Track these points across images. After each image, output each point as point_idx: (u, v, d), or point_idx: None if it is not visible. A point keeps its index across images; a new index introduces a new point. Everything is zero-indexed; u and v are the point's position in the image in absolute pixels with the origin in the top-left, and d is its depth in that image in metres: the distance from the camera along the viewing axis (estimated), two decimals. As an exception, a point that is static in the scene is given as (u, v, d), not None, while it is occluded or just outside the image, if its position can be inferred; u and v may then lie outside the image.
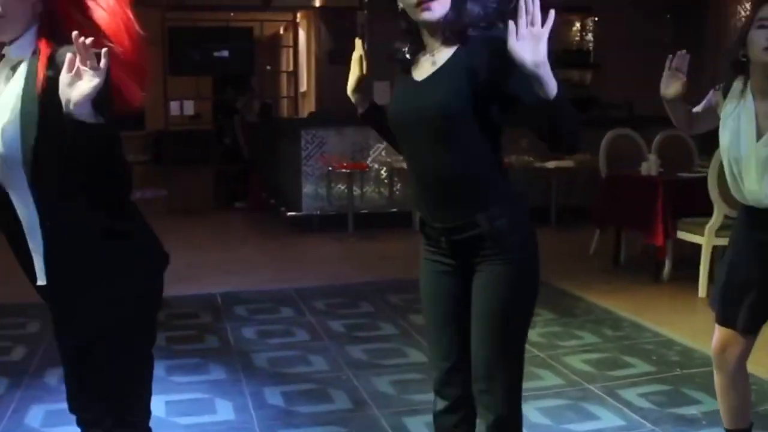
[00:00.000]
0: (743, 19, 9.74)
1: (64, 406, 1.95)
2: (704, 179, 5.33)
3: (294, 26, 12.84)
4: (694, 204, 5.53)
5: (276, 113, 12.90)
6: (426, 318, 2.18)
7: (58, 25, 1.70)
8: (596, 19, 11.01)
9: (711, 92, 2.69)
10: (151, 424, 1.95)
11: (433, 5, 1.89)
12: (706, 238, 5.35)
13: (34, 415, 3.32)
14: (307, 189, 8.22)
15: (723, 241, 5.37)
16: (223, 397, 3.53)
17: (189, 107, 11.41)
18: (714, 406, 2.97)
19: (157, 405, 2.96)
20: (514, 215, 2.03)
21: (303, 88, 12.99)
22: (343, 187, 8.14)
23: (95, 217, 1.80)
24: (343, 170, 7.87)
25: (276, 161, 9.49)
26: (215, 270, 6.30)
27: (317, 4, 11.64)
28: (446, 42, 1.96)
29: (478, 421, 2.08)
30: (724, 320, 2.63)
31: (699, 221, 5.44)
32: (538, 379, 3.77)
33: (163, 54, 10.46)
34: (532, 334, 4.43)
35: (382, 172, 8.32)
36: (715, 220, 5.30)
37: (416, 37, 2.00)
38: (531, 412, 3.26)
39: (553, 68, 1.90)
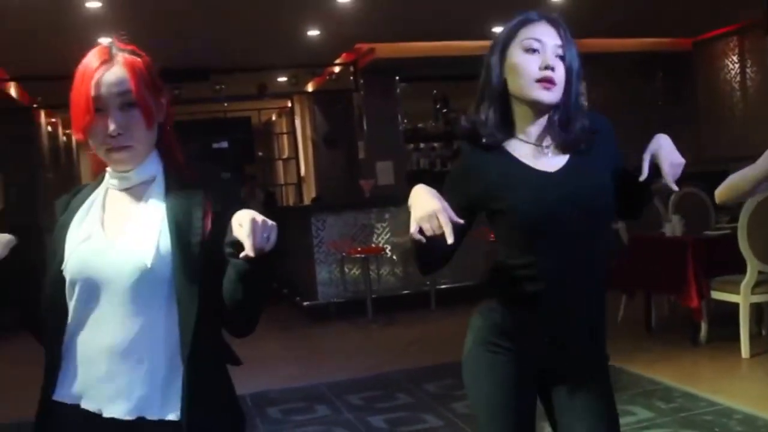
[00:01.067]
0: (731, 72, 9.83)
1: None
2: (732, 236, 5.24)
3: (291, 112, 12.92)
4: (725, 262, 5.42)
5: (279, 201, 12.88)
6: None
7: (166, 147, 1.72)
8: (584, 77, 11.07)
9: None
10: None
11: (554, 89, 1.82)
12: (742, 297, 5.21)
13: None
14: (321, 276, 8.10)
15: (759, 298, 5.27)
16: None
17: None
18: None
19: None
20: None
21: (303, 172, 13.01)
22: (357, 272, 8.02)
23: (221, 344, 1.72)
24: (358, 255, 7.76)
25: (286, 250, 9.38)
26: (239, 369, 6.10)
27: (310, 89, 11.73)
28: (551, 130, 1.87)
29: None
30: None
31: (733, 279, 5.32)
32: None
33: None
34: None
35: (394, 254, 8.21)
36: (749, 278, 5.18)
37: (505, 123, 1.89)
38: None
39: None
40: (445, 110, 11.03)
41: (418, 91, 10.53)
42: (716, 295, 5.47)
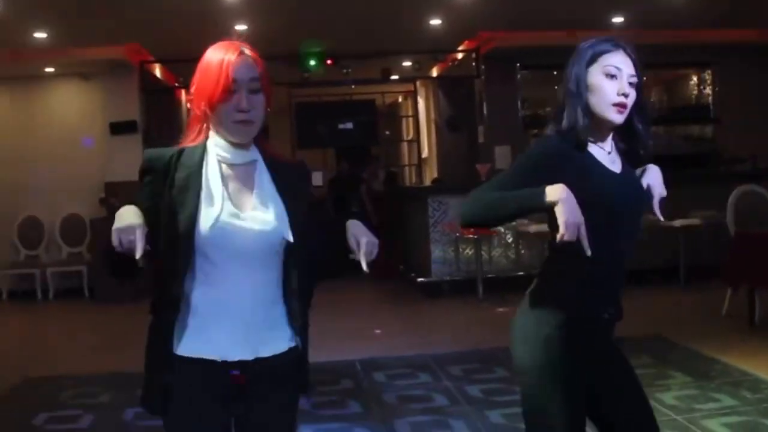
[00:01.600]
0: None
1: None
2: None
3: (414, 95, 13.32)
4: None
5: (400, 181, 13.33)
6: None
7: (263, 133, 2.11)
8: (714, 72, 10.94)
9: None
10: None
11: (625, 111, 2.16)
12: None
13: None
14: (436, 255, 8.49)
15: None
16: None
17: (317, 178, 12.00)
18: None
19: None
20: None
21: (425, 154, 13.40)
22: (470, 252, 8.36)
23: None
24: (471, 236, 8.09)
25: (403, 228, 9.82)
26: (351, 337, 6.61)
27: (434, 73, 12.07)
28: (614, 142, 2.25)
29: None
30: None
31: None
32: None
33: (291, 128, 11.09)
34: (668, 398, 4.50)
35: (508, 236, 8.50)
36: None
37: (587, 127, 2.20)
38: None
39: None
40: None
41: (538, 79, 10.69)
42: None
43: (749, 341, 5.75)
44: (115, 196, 9.65)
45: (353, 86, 11.98)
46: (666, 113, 11.33)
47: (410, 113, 13.81)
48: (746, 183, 7.07)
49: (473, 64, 10.57)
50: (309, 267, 2.05)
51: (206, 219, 1.93)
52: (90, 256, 9.91)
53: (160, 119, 10.62)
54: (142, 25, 8.45)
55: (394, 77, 11.82)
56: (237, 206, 1.99)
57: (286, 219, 2.00)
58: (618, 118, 2.15)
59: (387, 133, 15.35)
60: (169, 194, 1.94)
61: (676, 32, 9.52)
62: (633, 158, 2.28)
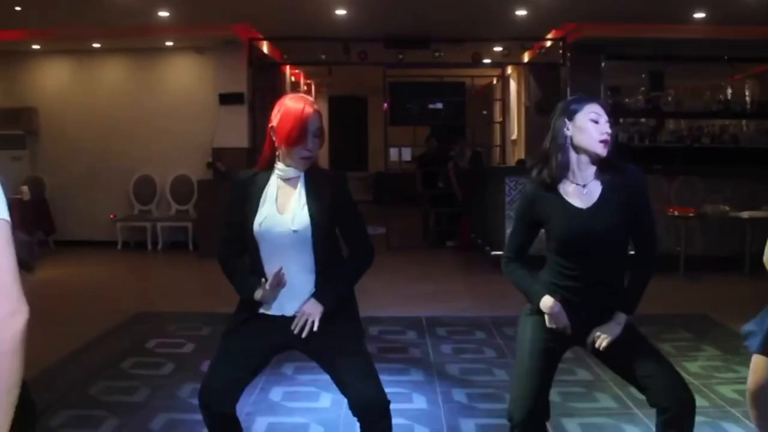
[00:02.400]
0: None
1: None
2: None
3: (504, 79, 13.82)
4: None
5: (487, 161, 13.88)
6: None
7: None
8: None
9: None
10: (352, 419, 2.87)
11: (607, 145, 2.78)
12: None
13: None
14: (509, 230, 9.06)
15: None
16: (419, 393, 4.51)
17: (406, 154, 12.74)
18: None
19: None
20: None
21: (514, 136, 13.91)
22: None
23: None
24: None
25: (484, 205, 10.45)
26: (423, 298, 7.33)
27: (526, 59, 12.56)
28: (597, 175, 2.83)
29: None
30: None
31: None
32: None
33: (384, 106, 11.81)
34: (693, 366, 5.03)
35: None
36: None
37: (565, 168, 2.82)
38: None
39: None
40: (644, 88, 11.49)
41: (622, 69, 11.08)
42: None
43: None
44: (220, 160, 10.64)
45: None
46: (756, 108, 11.48)
47: (500, 96, 14.30)
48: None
49: (560, 52, 11.03)
50: (335, 247, 2.89)
51: (258, 218, 2.79)
52: (196, 213, 10.93)
53: (264, 91, 11.49)
54: (252, 6, 9.28)
55: (486, 60, 12.39)
56: (279, 208, 2.82)
57: (307, 216, 2.79)
58: (603, 150, 2.77)
59: (484, 112, 15.94)
60: (247, 203, 2.82)
61: (759, 27, 9.74)
62: (617, 186, 2.82)
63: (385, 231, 11.29)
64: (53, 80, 11.50)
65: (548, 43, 11.46)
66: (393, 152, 12.36)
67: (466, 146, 12.79)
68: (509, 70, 13.81)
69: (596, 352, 2.85)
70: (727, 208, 8.71)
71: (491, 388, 4.58)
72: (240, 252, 2.90)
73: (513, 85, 14.07)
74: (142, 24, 10.03)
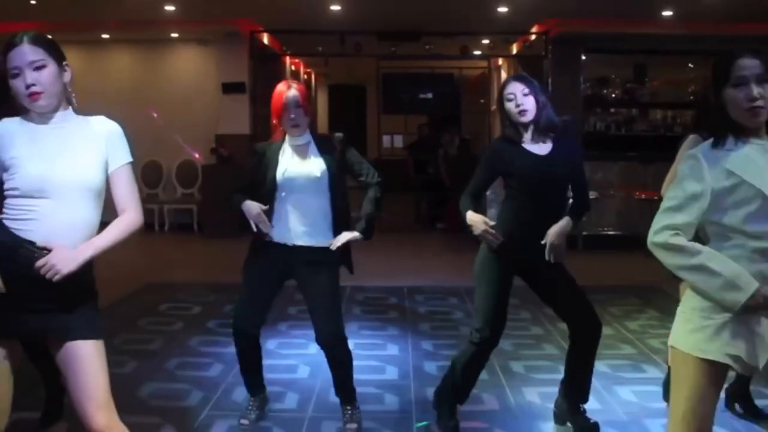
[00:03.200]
0: None
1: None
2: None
3: (490, 71, 14.53)
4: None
5: (476, 147, 14.58)
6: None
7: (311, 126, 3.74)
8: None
9: None
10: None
11: (527, 113, 3.51)
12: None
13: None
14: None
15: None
16: (393, 343, 5.31)
17: (398, 141, 13.48)
18: None
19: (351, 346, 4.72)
20: None
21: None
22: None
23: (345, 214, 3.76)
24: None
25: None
26: (408, 272, 8.08)
27: (513, 51, 13.27)
28: (537, 136, 3.56)
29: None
30: None
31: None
32: (617, 348, 5.15)
33: (378, 96, 12.54)
34: (633, 324, 5.79)
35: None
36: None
37: (514, 130, 3.57)
38: (601, 365, 4.63)
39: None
40: (620, 79, 12.25)
41: (599, 62, 11.80)
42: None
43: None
44: (223, 146, 11.36)
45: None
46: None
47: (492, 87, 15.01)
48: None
49: (543, 45, 11.74)
50: (342, 195, 3.65)
51: (280, 170, 3.63)
52: (200, 197, 11.67)
53: (265, 81, 12.16)
54: (253, 1, 9.99)
55: (477, 52, 13.10)
56: (298, 164, 3.63)
57: (326, 168, 3.59)
58: (524, 118, 3.50)
59: (482, 101, 16.65)
60: (265, 165, 3.64)
61: (724, 24, 10.46)
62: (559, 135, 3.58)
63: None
64: (66, 70, 12.22)
65: (533, 37, 12.16)
66: (386, 139, 13.10)
67: (455, 134, 13.51)
68: (500, 61, 14.50)
69: (534, 283, 3.66)
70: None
71: (455, 340, 5.33)
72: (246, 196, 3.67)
73: (504, 76, 14.77)
74: (149, 17, 10.74)
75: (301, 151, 3.67)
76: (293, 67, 15.12)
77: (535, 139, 3.56)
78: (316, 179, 3.60)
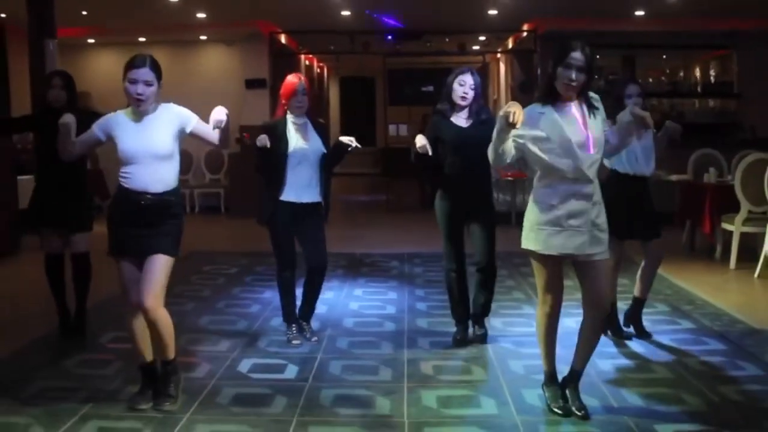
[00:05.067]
0: None
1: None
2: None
3: (494, 63, 15.83)
4: (732, 203, 7.77)
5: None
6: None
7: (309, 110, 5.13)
8: (737, 55, 13.06)
9: None
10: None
11: (467, 99, 4.86)
12: (735, 227, 7.66)
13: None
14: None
15: (748, 229, 7.65)
16: (392, 291, 6.73)
17: (403, 129, 14.85)
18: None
19: (357, 296, 6.16)
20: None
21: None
22: (506, 196, 10.99)
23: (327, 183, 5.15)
24: (509, 178, 10.72)
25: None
26: (409, 242, 9.44)
27: (509, 46, 14.58)
28: (469, 116, 4.91)
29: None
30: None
31: (733, 215, 7.73)
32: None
33: (384, 89, 13.88)
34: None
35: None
36: (741, 214, 7.59)
37: (452, 107, 4.93)
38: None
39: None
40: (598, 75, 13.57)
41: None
42: (724, 225, 7.93)
43: (681, 260, 8.20)
44: (247, 135, 12.73)
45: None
46: (701, 89, 13.48)
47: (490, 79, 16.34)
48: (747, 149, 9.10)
49: (533, 41, 13.06)
50: (328, 166, 5.06)
51: (291, 145, 4.95)
52: (227, 181, 13.05)
53: (283, 77, 13.44)
54: (273, 6, 11.34)
55: (476, 47, 14.41)
56: (302, 140, 4.96)
57: (322, 145, 4.98)
58: (462, 102, 4.87)
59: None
60: (277, 137, 4.93)
61: (692, 20, 11.75)
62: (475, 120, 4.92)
63: (385, 198, 13.37)
64: (104, 69, 13.58)
65: (524, 34, 13.47)
66: (392, 128, 14.47)
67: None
68: (498, 55, 15.81)
69: (469, 224, 5.03)
70: (661, 173, 10.70)
71: (441, 287, 6.66)
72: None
73: (502, 69, 16.08)
74: (181, 21, 12.13)
75: (303, 130, 4.98)
76: (307, 62, 16.50)
77: (464, 117, 4.93)
78: (317, 153, 4.98)
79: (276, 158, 4.94)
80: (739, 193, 7.57)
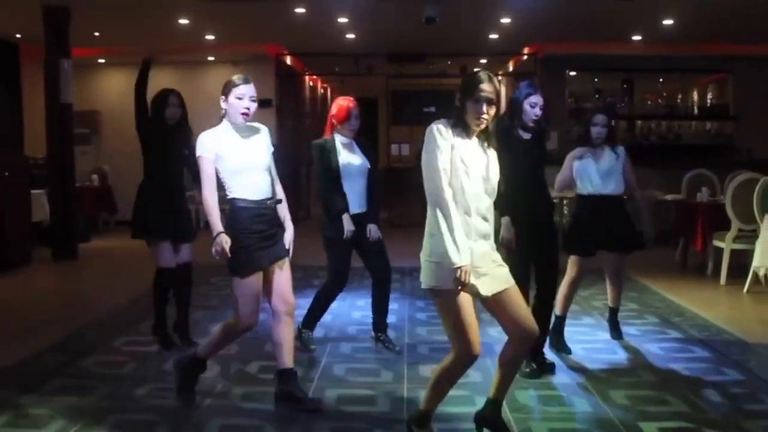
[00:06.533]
0: None
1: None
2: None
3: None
4: (723, 221, 8.05)
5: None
6: None
7: None
8: (733, 79, 13.38)
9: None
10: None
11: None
12: (726, 244, 7.93)
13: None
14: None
15: (738, 246, 7.91)
16: (395, 303, 6.89)
17: (405, 149, 15.13)
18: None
19: (360, 306, 6.39)
20: None
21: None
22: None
23: None
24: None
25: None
26: (409, 257, 9.63)
27: (510, 68, 14.92)
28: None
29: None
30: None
31: (724, 233, 8.00)
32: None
33: (387, 109, 14.20)
34: (584, 293, 7.35)
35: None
36: (732, 232, 7.86)
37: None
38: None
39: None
40: (598, 96, 13.90)
41: (580, 79, 13.47)
42: (715, 243, 8.19)
43: (674, 276, 8.46)
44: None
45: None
46: (698, 111, 13.80)
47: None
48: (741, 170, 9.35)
49: (534, 64, 13.39)
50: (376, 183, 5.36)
51: (341, 162, 5.23)
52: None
53: (288, 97, 13.86)
54: (279, 29, 11.67)
55: (476, 70, 14.69)
56: (350, 155, 5.25)
57: (367, 162, 5.26)
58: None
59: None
60: (327, 156, 5.23)
61: (685, 46, 12.08)
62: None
63: (385, 215, 13.64)
64: (114, 88, 13.94)
65: (525, 57, 13.81)
66: (394, 148, 14.77)
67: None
68: (500, 78, 16.13)
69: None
70: (657, 193, 10.98)
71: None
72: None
73: (503, 91, 16.39)
74: (191, 43, 12.47)
75: (349, 148, 5.26)
76: (311, 83, 16.84)
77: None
78: (366, 168, 5.27)
79: (331, 173, 5.21)
80: (730, 212, 7.83)
